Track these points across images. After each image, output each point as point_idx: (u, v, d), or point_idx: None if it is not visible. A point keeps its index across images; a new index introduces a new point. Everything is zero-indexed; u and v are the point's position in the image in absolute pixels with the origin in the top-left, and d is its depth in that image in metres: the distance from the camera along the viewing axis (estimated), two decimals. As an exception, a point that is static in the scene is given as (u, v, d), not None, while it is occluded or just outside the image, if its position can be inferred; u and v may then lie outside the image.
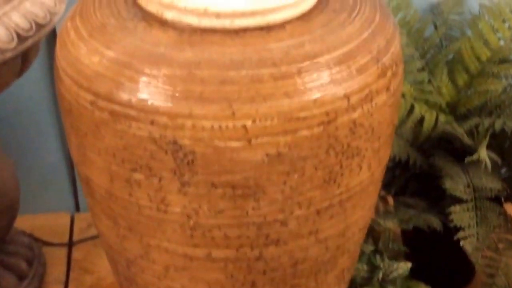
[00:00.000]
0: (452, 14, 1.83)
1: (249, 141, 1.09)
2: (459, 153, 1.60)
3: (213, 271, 1.21)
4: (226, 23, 1.13)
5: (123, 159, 1.14)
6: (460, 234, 1.45)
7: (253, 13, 1.13)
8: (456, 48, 1.74)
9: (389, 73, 1.17)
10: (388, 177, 1.60)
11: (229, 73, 1.08)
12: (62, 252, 1.96)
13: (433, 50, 1.76)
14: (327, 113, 1.11)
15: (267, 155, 1.10)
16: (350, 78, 1.12)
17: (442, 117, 1.62)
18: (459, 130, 1.55)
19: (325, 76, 1.11)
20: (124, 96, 1.10)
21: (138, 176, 1.14)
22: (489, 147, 1.51)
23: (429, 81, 1.72)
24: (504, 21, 1.70)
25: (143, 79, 1.09)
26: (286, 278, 1.24)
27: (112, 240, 1.27)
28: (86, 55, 1.15)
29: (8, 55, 1.44)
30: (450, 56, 1.76)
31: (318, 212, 1.18)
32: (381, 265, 1.51)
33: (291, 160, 1.11)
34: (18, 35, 1.45)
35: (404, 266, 1.50)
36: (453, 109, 1.70)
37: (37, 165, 1.99)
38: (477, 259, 1.43)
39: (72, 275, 1.90)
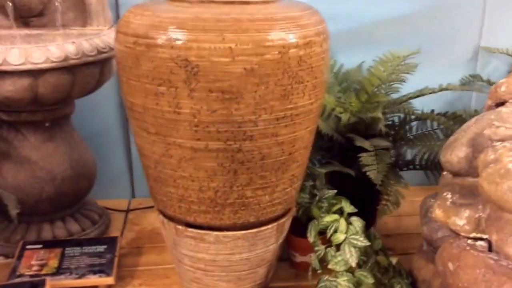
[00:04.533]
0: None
1: (233, 58, 0.95)
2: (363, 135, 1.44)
3: (209, 160, 1.04)
4: (221, -3, 1.01)
5: (153, 77, 0.99)
6: (366, 168, 1.28)
7: (238, -7, 1.01)
8: (359, 80, 1.62)
9: (322, 36, 1.05)
10: (325, 143, 1.49)
11: (222, 16, 0.96)
12: (122, 215, 1.75)
13: (345, 83, 1.64)
14: (283, 46, 0.98)
15: (244, 68, 0.96)
16: (297, 29, 1.00)
17: (352, 118, 1.48)
18: (368, 120, 1.40)
19: (282, 23, 0.99)
20: (153, 34, 0.97)
21: (162, 89, 0.99)
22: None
23: (344, 99, 1.58)
24: (386, 68, 1.57)
25: (166, 21, 0.96)
26: (257, 169, 1.07)
27: (146, 148, 1.10)
28: (133, 17, 1.03)
29: (90, 59, 1.32)
30: (355, 85, 1.63)
31: (277, 119, 1.03)
32: (317, 193, 1.33)
33: (260, 75, 0.97)
34: (97, 49, 1.34)
35: (331, 192, 1.31)
36: (361, 116, 1.54)
37: (109, 165, 1.81)
38: (378, 181, 1.26)
39: (126, 226, 1.69)
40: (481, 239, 1.05)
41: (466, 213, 1.05)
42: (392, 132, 1.53)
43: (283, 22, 0.98)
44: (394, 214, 1.75)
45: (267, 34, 0.96)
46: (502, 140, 1.04)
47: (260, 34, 0.95)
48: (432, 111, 1.54)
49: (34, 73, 1.25)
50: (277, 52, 0.97)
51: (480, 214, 1.04)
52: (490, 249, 1.03)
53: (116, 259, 1.38)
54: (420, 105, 1.77)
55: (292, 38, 0.98)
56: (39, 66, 1.23)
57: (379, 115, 1.30)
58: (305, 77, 1.02)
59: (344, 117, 1.49)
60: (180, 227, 1.15)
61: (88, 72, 1.35)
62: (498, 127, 1.07)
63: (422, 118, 1.47)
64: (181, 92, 0.97)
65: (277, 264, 1.41)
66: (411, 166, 1.53)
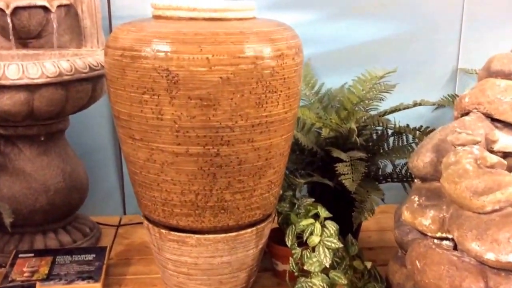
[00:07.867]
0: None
1: (210, 67, 1.05)
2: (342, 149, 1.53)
3: (190, 164, 1.13)
4: (199, 15, 1.12)
5: (138, 86, 1.09)
6: (342, 177, 1.36)
7: (215, 10, 1.12)
8: (338, 98, 1.72)
9: (293, 50, 1.15)
10: (307, 157, 1.57)
11: (200, 30, 1.07)
12: (113, 230, 1.82)
13: (326, 101, 1.74)
14: (256, 57, 1.08)
15: (221, 77, 1.06)
16: (269, 42, 1.10)
17: (331, 132, 1.57)
18: (345, 133, 1.49)
19: (255, 37, 1.09)
20: (138, 47, 1.08)
21: (145, 97, 1.09)
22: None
23: (324, 115, 1.67)
24: (365, 87, 1.67)
25: (150, 35, 1.07)
26: (234, 173, 1.15)
27: (131, 154, 1.19)
28: (121, 33, 1.14)
29: (83, 75, 1.42)
30: (336, 103, 1.73)
31: (252, 125, 1.12)
32: (296, 202, 1.41)
33: (235, 83, 1.07)
34: (90, 67, 1.44)
35: (309, 200, 1.39)
36: (338, 129, 1.63)
37: (101, 183, 1.89)
38: (353, 189, 1.34)
39: (116, 240, 1.76)
40: (446, 238, 1.13)
41: (431, 213, 1.13)
42: (370, 144, 1.61)
43: (256, 35, 1.09)
44: (377, 228, 1.84)
45: (241, 46, 1.06)
46: (463, 144, 1.13)
47: (235, 46, 1.05)
48: (407, 125, 1.63)
49: (30, 88, 1.35)
50: (250, 63, 1.06)
51: (444, 214, 1.12)
52: (456, 248, 1.11)
53: (104, 267, 1.45)
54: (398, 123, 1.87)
55: (264, 50, 1.08)
56: (35, 81, 1.34)
57: (353, 126, 1.39)
58: (278, 87, 1.12)
59: (324, 131, 1.58)
60: (163, 231, 1.23)
61: (81, 88, 1.45)
62: (460, 133, 1.16)
63: (399, 131, 1.56)
64: (163, 99, 1.07)
65: (260, 273, 1.48)
66: (389, 179, 1.62)
